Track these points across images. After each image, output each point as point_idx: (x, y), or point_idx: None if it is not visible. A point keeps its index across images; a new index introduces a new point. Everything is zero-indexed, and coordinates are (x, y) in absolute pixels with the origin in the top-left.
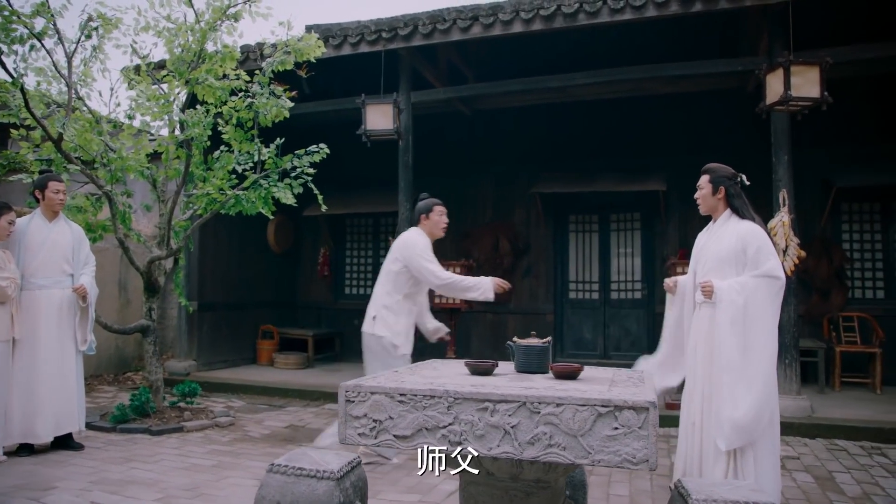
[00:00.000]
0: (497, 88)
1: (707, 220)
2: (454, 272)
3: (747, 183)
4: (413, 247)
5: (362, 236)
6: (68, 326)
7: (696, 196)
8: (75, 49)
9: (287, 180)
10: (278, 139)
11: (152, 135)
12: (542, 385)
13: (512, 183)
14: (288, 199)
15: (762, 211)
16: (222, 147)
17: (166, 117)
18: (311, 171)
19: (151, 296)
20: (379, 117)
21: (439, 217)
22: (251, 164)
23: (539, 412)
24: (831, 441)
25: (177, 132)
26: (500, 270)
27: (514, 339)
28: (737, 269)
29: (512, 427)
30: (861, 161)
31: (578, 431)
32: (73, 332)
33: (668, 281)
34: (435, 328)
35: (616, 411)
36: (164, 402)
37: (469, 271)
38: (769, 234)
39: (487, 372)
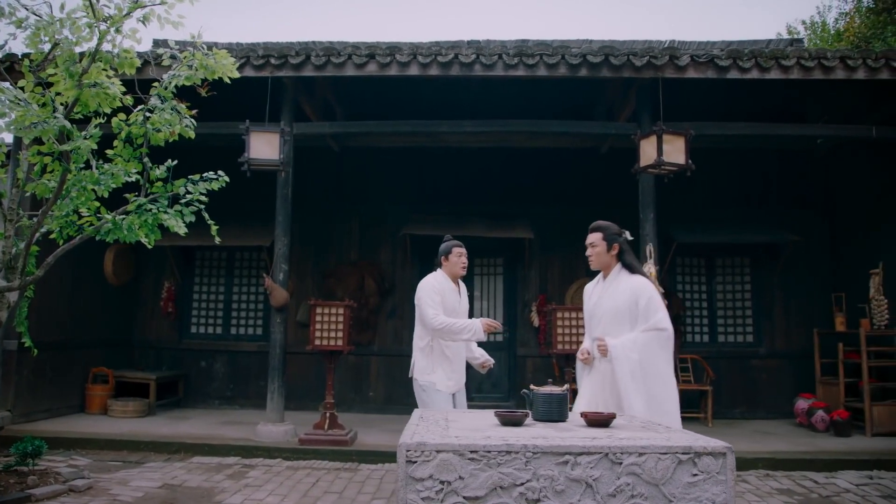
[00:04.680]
0: (386, 128)
1: (568, 270)
2: (337, 312)
3: (630, 238)
4: (421, 289)
5: (213, 270)
6: None
7: (588, 253)
8: None
9: (177, 207)
10: (169, 161)
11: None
12: (600, 434)
13: (379, 223)
14: (179, 227)
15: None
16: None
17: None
18: (205, 198)
19: None
20: (263, 146)
21: (457, 258)
22: (112, 186)
23: (621, 462)
24: None
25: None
26: (366, 311)
27: (531, 386)
28: (630, 322)
29: (594, 480)
30: (693, 221)
31: (660, 480)
32: None
33: (580, 355)
34: (481, 361)
35: (696, 457)
36: None
37: (352, 311)
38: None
39: (519, 422)
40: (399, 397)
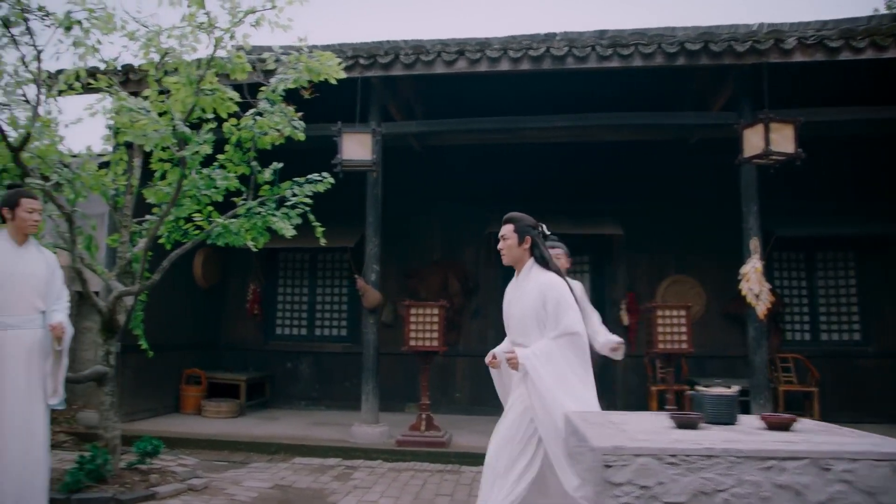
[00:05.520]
0: (474, 125)
1: (657, 266)
2: (431, 312)
3: (548, 233)
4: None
5: (297, 272)
6: (38, 375)
7: (499, 247)
8: (47, 42)
9: (283, 210)
10: (275, 163)
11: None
12: (794, 438)
13: (461, 222)
14: (287, 230)
15: (729, 256)
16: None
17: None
18: (310, 201)
19: (110, 337)
20: (356, 147)
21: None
22: (226, 190)
23: (830, 469)
24: None
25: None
26: (451, 311)
27: (697, 387)
28: (539, 326)
29: (804, 486)
30: (793, 214)
31: (876, 488)
32: (44, 382)
33: (488, 359)
34: (605, 342)
35: None
36: (120, 464)
37: (446, 311)
38: (570, 285)
39: (694, 425)
40: (485, 398)
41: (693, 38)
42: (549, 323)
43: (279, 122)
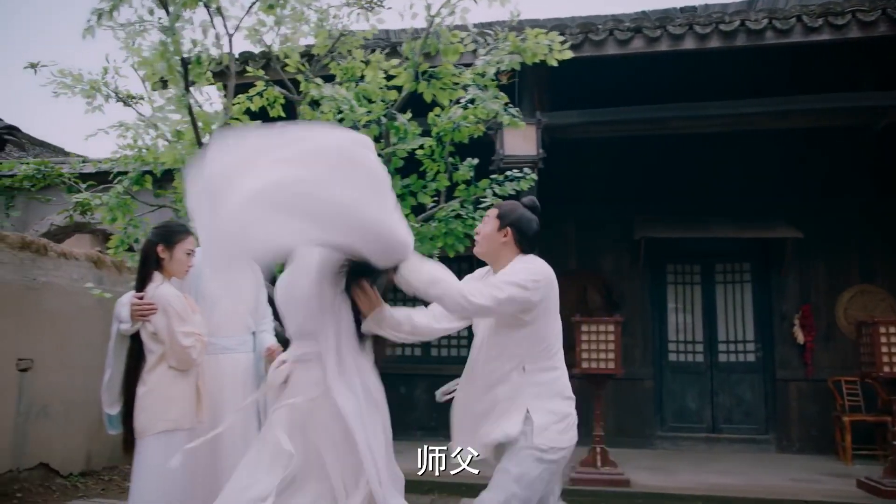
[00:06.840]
0: (645, 113)
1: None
2: (606, 330)
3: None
4: None
5: None
6: (252, 406)
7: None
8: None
9: (480, 212)
10: (470, 159)
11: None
12: None
13: (598, 225)
14: None
15: None
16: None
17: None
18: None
19: None
20: (518, 140)
21: None
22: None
23: None
24: None
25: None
26: None
27: None
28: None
29: None
30: None
31: None
32: (258, 415)
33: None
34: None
35: None
36: None
37: (619, 327)
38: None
39: None
40: (633, 429)
41: None
42: None
43: (495, 111)
